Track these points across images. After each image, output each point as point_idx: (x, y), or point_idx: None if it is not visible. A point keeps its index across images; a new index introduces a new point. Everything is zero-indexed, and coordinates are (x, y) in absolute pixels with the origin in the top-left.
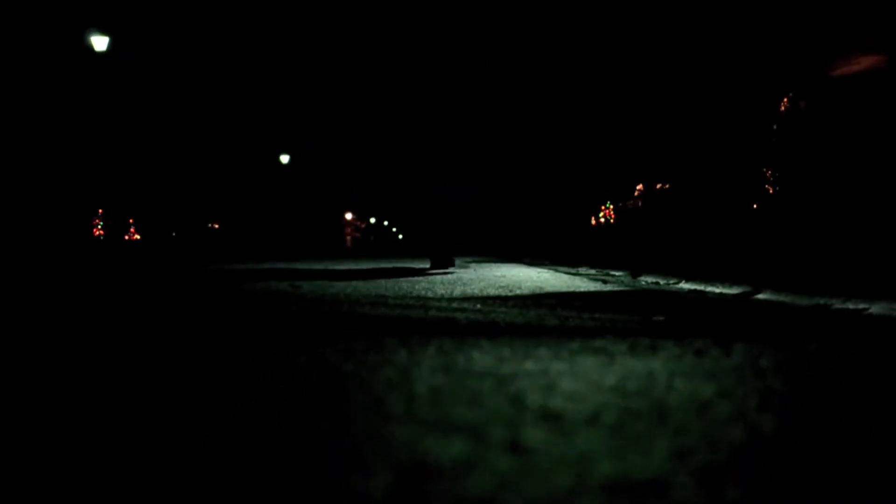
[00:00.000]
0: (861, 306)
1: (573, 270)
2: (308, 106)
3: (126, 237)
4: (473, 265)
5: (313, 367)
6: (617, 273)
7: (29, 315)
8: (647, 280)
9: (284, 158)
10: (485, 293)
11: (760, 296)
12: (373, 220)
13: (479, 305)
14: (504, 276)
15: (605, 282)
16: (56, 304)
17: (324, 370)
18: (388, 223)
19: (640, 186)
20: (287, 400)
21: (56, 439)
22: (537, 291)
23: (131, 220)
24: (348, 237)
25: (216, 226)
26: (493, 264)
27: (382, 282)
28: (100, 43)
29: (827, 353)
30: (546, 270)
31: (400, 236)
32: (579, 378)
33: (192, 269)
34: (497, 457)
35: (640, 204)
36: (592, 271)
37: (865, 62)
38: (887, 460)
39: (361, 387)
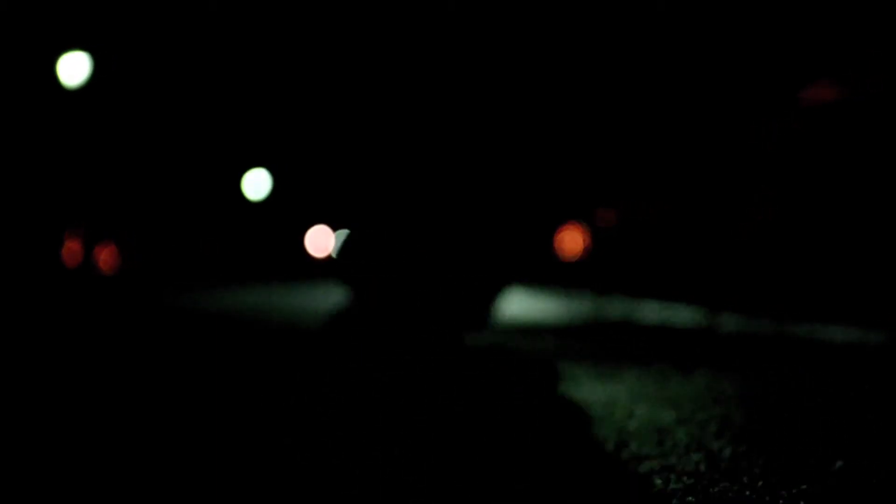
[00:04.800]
0: (824, 333)
1: (541, 292)
2: (294, 118)
3: (100, 262)
4: None
5: (295, 394)
6: (584, 295)
7: None
8: (614, 303)
9: (265, 180)
10: None
11: (725, 321)
12: None
13: None
14: None
15: (571, 304)
16: None
17: (312, 395)
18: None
19: (608, 211)
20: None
21: None
22: (503, 313)
23: (107, 244)
24: None
25: (193, 247)
26: None
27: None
28: (79, 69)
29: (786, 379)
30: (512, 291)
31: None
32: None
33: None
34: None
35: (609, 226)
36: (560, 293)
37: (827, 94)
38: (841, 483)
39: (326, 402)
